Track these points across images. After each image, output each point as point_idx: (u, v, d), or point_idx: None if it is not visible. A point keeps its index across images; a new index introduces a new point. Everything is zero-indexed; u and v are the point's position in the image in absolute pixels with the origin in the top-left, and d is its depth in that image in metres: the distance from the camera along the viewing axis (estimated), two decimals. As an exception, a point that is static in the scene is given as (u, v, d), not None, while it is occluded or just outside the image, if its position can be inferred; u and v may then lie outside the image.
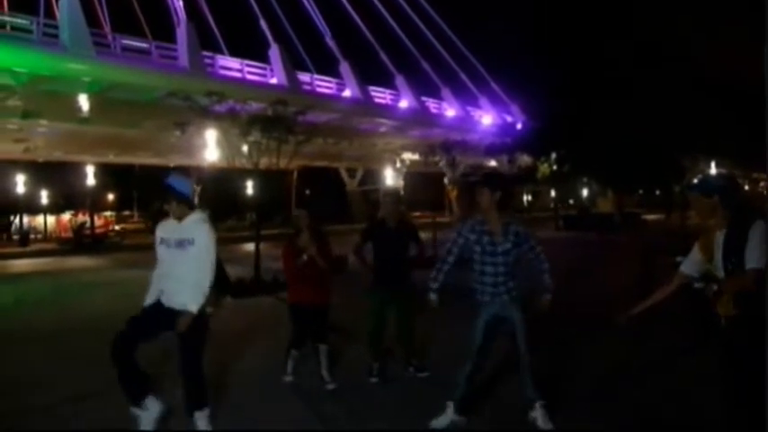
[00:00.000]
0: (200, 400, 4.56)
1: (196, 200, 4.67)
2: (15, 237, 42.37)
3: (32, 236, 43.55)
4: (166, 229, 4.57)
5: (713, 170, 49.41)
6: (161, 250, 4.54)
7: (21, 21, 27.79)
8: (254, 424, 4.92)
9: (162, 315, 4.43)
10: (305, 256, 5.69)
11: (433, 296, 4.82)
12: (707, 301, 3.74)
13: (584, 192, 62.70)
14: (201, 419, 4.51)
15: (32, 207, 47.49)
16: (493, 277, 4.56)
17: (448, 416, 4.67)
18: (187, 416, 4.53)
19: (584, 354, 6.78)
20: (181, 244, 4.43)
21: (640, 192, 56.22)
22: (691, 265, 3.92)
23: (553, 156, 36.29)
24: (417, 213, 42.02)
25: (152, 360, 5.12)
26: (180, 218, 4.52)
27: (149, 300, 4.53)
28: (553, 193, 46.24)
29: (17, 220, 46.78)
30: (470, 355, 4.66)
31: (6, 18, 27.94)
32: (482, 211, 4.66)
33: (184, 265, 4.38)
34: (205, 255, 4.42)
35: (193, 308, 4.33)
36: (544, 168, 37.36)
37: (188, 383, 4.55)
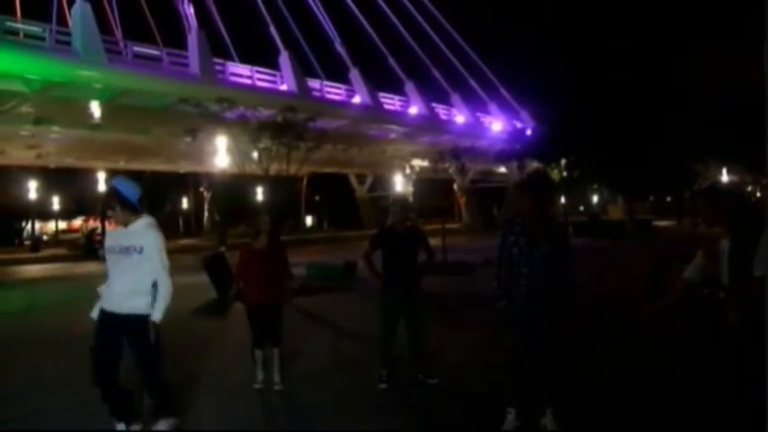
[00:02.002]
0: (166, 408, 4.47)
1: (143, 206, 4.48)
2: (27, 242, 42.67)
3: (45, 238, 43.86)
4: (112, 237, 4.43)
5: (725, 176, 49.09)
6: (108, 259, 4.39)
7: (33, 28, 28.09)
8: (261, 426, 4.93)
9: (113, 325, 4.30)
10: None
11: (501, 303, 4.70)
12: (714, 307, 3.73)
13: (595, 198, 62.48)
14: (164, 426, 4.42)
15: (44, 213, 47.85)
16: (528, 279, 4.50)
17: (510, 422, 4.59)
18: (151, 421, 4.47)
19: (588, 356, 6.74)
20: (126, 250, 4.28)
21: (651, 198, 55.97)
22: (693, 270, 3.94)
23: (563, 162, 36.16)
24: (425, 220, 41.94)
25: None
26: (125, 224, 4.36)
27: (95, 312, 4.40)
28: (563, 200, 46.10)
29: (29, 225, 47.12)
30: (515, 361, 4.65)
31: (19, 25, 28.22)
32: (523, 212, 4.62)
33: (130, 272, 4.26)
34: (159, 264, 4.31)
35: (158, 317, 4.28)
36: (554, 175, 37.21)
37: (151, 393, 4.47)
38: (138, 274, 4.28)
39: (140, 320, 4.28)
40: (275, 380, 5.90)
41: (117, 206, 4.30)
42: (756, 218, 3.66)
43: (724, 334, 3.68)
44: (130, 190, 4.36)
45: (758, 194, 48.86)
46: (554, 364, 4.68)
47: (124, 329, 4.31)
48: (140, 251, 4.26)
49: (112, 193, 4.34)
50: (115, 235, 4.41)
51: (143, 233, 4.34)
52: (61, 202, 47.80)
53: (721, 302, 3.63)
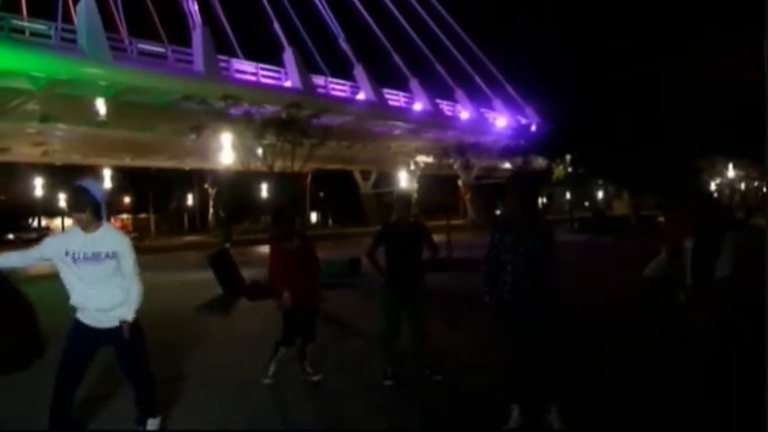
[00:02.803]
0: (154, 406, 4.42)
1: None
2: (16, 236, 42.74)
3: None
4: (72, 241, 4.08)
5: (731, 172, 48.90)
6: (68, 265, 4.08)
7: (39, 26, 28.18)
8: (269, 424, 4.95)
9: (93, 339, 4.21)
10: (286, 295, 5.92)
11: (486, 298, 4.75)
12: (677, 309, 3.78)
13: (600, 194, 62.31)
14: (153, 425, 4.37)
15: (50, 210, 48.04)
16: (512, 276, 4.52)
17: (515, 419, 4.57)
18: (138, 425, 4.39)
19: (587, 355, 6.75)
20: (96, 257, 4.04)
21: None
22: (655, 267, 3.97)
23: (568, 158, 36.12)
24: (430, 216, 41.98)
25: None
26: (88, 229, 4.06)
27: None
28: (568, 196, 46.02)
29: (35, 222, 47.33)
30: (509, 358, 4.66)
31: (25, 23, 28.33)
32: (510, 211, 4.68)
33: (107, 280, 4.10)
34: (134, 268, 4.20)
35: (130, 317, 4.15)
36: (559, 171, 37.17)
37: (141, 392, 4.38)
38: (117, 281, 4.14)
39: (134, 324, 4.25)
40: (309, 371, 5.99)
41: (89, 208, 4.02)
42: (721, 220, 3.69)
43: (687, 335, 3.72)
44: (99, 193, 4.13)
45: (764, 190, 48.65)
46: (551, 361, 4.66)
47: (109, 341, 4.22)
48: (113, 256, 4.08)
49: (84, 193, 4.06)
50: (77, 240, 4.08)
51: (113, 238, 4.17)
52: (67, 199, 47.99)
53: (682, 304, 3.67)
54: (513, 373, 4.65)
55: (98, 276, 4.08)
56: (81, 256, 4.03)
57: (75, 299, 4.17)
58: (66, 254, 4.04)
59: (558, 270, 4.64)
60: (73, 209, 4.08)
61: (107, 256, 4.06)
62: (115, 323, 4.16)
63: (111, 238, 4.14)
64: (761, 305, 3.31)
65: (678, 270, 3.71)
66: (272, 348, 6.01)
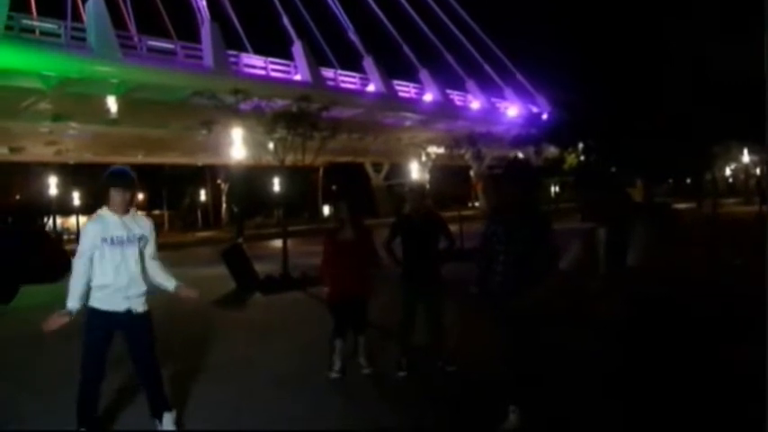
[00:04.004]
0: (167, 400, 4.43)
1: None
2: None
3: (65, 236, 44.43)
4: (109, 227, 4.16)
5: (746, 158, 48.37)
6: (103, 249, 4.13)
7: (49, 25, 28.33)
8: (279, 421, 4.95)
9: (108, 324, 4.23)
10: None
11: (473, 289, 4.77)
12: (588, 300, 3.75)
13: (613, 182, 61.81)
14: (169, 419, 4.35)
15: (65, 208, 48.37)
16: (504, 266, 4.48)
17: (512, 421, 4.46)
18: (155, 419, 4.37)
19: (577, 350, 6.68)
20: (131, 240, 4.18)
21: (670, 181, 55.35)
22: (572, 260, 3.91)
23: (580, 146, 35.89)
24: (443, 207, 41.82)
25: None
26: (124, 210, 4.20)
27: (76, 303, 4.15)
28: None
29: (50, 221, 47.68)
30: (508, 355, 4.58)
31: (35, 23, 28.48)
32: (502, 201, 4.65)
33: (138, 262, 4.21)
34: (156, 251, 4.41)
35: (174, 284, 4.38)
36: (571, 159, 36.95)
37: (154, 385, 4.38)
38: (140, 266, 4.24)
39: (147, 314, 4.33)
40: (363, 364, 5.97)
41: (131, 188, 4.21)
42: (633, 209, 3.64)
43: (599, 323, 3.67)
44: (134, 176, 4.29)
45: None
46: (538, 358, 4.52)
47: (121, 325, 4.25)
48: (142, 238, 4.25)
49: (126, 175, 4.22)
50: (112, 224, 4.17)
51: (142, 221, 4.35)
52: (81, 198, 48.27)
53: (594, 292, 3.64)
54: (513, 371, 4.54)
55: (132, 259, 4.19)
56: (117, 240, 4.15)
57: (99, 279, 4.19)
58: (104, 240, 4.14)
59: (552, 259, 4.55)
60: (120, 187, 4.16)
61: (138, 238, 4.23)
62: (128, 306, 4.21)
63: (141, 221, 4.35)
64: (669, 296, 3.29)
65: (592, 261, 3.67)
66: (330, 344, 5.93)
